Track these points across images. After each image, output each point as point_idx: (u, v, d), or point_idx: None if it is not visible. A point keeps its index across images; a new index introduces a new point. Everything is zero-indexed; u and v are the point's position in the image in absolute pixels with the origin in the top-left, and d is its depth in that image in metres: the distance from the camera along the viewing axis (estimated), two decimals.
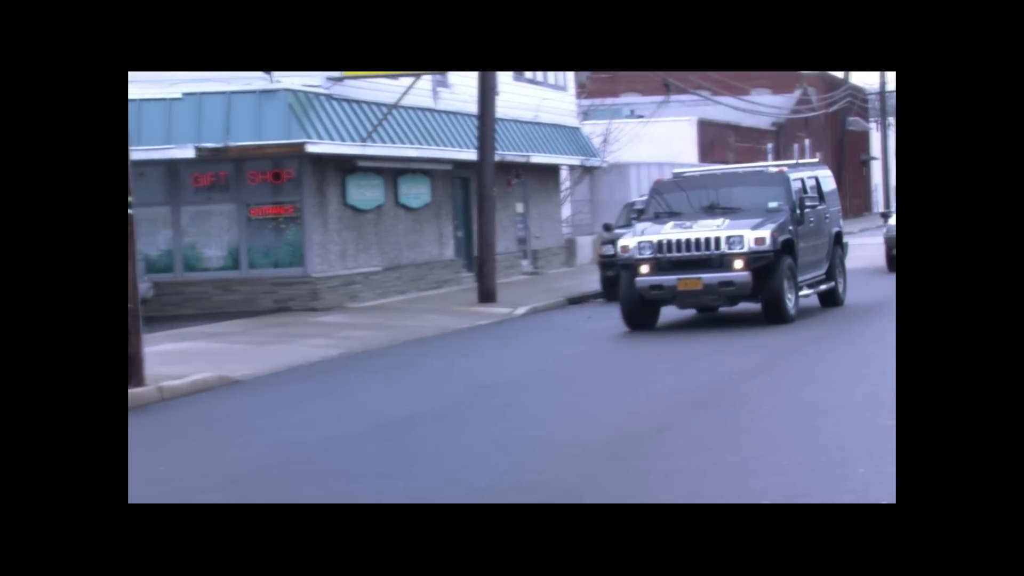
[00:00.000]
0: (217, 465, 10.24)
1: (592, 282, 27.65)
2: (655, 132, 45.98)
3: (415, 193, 28.46)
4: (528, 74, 33.95)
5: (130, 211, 14.50)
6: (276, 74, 23.74)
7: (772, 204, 19.15)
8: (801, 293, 19.22)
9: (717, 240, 18.29)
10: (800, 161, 22.34)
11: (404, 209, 28.12)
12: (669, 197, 19.90)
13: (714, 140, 51.29)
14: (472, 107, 26.65)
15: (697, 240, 18.37)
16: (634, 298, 18.67)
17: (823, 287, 20.49)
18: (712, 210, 19.15)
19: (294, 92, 23.84)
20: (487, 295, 25.07)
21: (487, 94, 25.37)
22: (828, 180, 21.65)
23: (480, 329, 21.16)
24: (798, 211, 19.22)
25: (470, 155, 27.33)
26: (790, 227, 18.86)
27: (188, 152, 23.65)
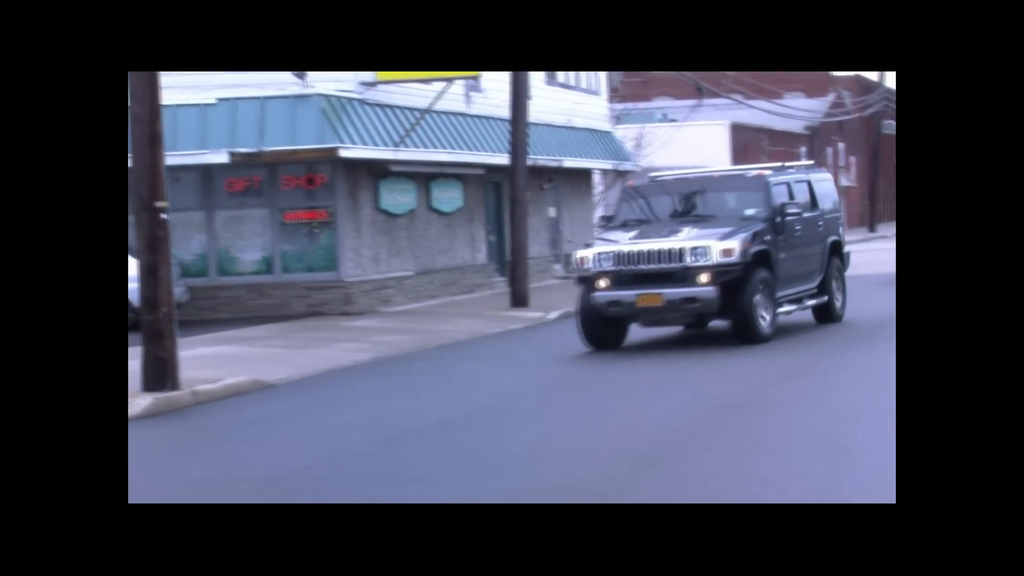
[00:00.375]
0: (251, 468, 10.28)
1: None
2: (688, 136, 45.92)
3: (448, 197, 28.51)
4: (560, 78, 33.94)
5: (165, 216, 14.60)
6: (309, 79, 23.83)
7: (749, 211, 17.42)
8: (783, 309, 17.53)
9: (680, 251, 16.47)
10: (789, 164, 20.53)
11: (436, 213, 28.18)
12: (640, 204, 18.18)
13: (747, 144, 51.15)
14: (505, 111, 26.66)
15: (659, 251, 16.56)
16: (592, 315, 16.98)
17: (812, 302, 18.64)
18: (684, 218, 17.56)
19: (327, 97, 23.91)
20: (519, 299, 25.09)
21: (519, 98, 25.38)
22: (824, 184, 19.77)
23: (512, 333, 21.16)
24: (778, 219, 17.38)
25: (503, 159, 27.34)
26: (767, 237, 17.06)
27: (222, 157, 23.77)
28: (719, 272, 16.35)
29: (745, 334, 16.61)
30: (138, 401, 13.86)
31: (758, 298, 16.61)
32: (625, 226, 17.70)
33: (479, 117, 29.00)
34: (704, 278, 16.34)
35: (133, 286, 14.48)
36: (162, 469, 10.69)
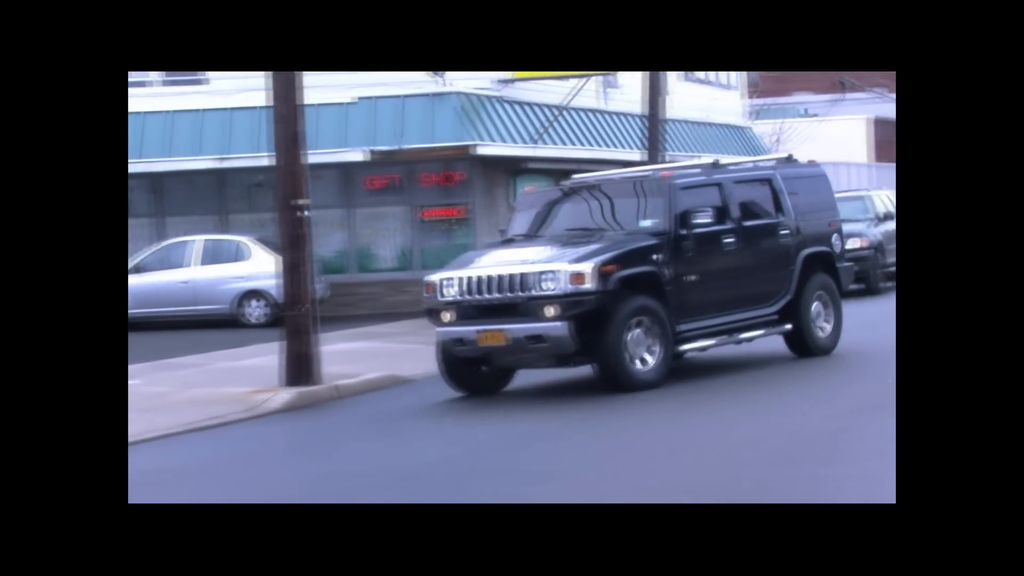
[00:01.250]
0: (390, 462, 10.42)
1: None
2: (828, 131, 45.20)
3: None
4: (698, 74, 33.71)
5: (306, 213, 14.87)
6: (447, 77, 24.04)
7: (646, 223, 13.82)
8: (699, 344, 14.01)
9: (525, 278, 13.03)
10: (736, 160, 16.68)
11: None
12: (534, 214, 14.71)
13: (890, 139, 50.17)
14: (641, 107, 26.57)
15: (502, 278, 13.14)
16: (450, 353, 13.72)
17: (761, 332, 14.62)
18: (572, 232, 14.08)
19: (465, 95, 24.11)
20: None
21: (656, 95, 25.28)
22: (801, 183, 15.44)
23: None
24: (683, 231, 13.69)
25: (639, 156, 27.24)
26: (655, 256, 13.47)
27: (362, 155, 24.11)
28: (570, 303, 12.85)
29: (612, 380, 13.07)
30: (280, 395, 14.15)
31: (635, 334, 13.07)
32: (510, 242, 14.43)
33: (615, 113, 28.93)
34: (551, 311, 12.85)
35: (274, 282, 14.76)
36: (304, 461, 10.90)
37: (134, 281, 24.79)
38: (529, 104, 25.84)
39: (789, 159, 16.15)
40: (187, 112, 26.15)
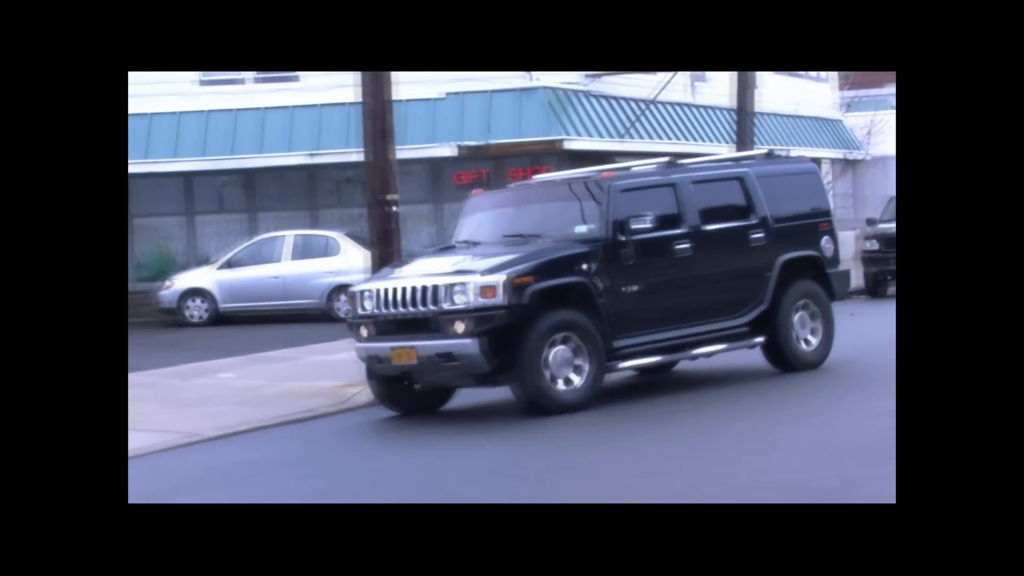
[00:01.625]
0: (478, 461, 10.48)
1: (855, 277, 26.97)
2: None
3: None
4: None
5: (396, 208, 15.01)
6: (535, 72, 24.07)
7: (581, 229, 12.63)
8: (642, 362, 12.94)
9: (435, 290, 12.03)
10: (709, 157, 15.27)
11: None
12: (478, 219, 13.74)
13: None
14: (730, 101, 26.40)
15: (415, 290, 12.14)
16: (374, 371, 12.81)
17: (722, 347, 13.34)
18: (509, 239, 13.01)
19: (552, 90, 24.12)
20: None
21: (745, 88, 25.10)
22: (780, 182, 14.07)
23: None
24: (622, 238, 12.49)
25: (729, 150, 27.06)
26: (584, 265, 12.30)
27: (450, 150, 24.23)
28: (480, 319, 11.78)
29: (530, 403, 11.98)
30: (368, 389, 14.28)
31: (558, 352, 11.98)
32: (448, 250, 13.63)
33: (704, 107, 28.78)
34: (461, 327, 11.82)
35: (364, 277, 14.92)
36: (390, 456, 11.01)
37: (227, 276, 25.17)
38: (616, 98, 25.79)
39: (770, 155, 14.76)
40: (278, 109, 26.49)
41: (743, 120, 25.15)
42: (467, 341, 11.79)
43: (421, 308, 12.04)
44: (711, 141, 28.42)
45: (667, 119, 27.31)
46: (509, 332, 11.84)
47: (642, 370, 14.06)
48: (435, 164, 25.14)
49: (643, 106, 25.74)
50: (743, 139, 25.15)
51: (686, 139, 27.59)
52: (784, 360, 13.70)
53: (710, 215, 13.34)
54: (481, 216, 13.67)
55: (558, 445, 10.75)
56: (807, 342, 13.90)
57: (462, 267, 12.27)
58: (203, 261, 26.83)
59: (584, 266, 12.33)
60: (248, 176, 27.70)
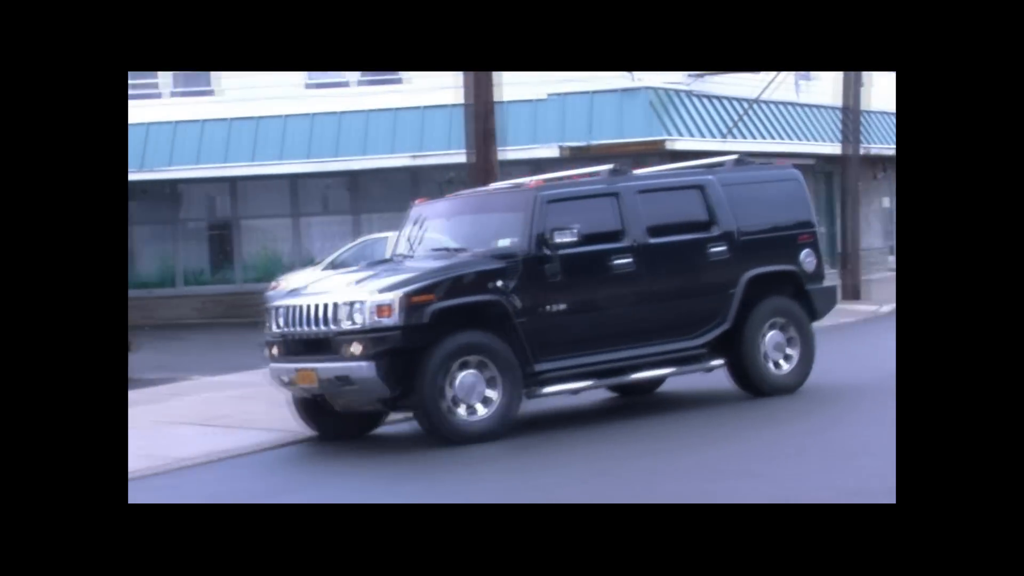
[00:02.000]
0: (580, 459, 10.47)
1: None
2: None
3: None
4: None
5: None
6: (637, 72, 24.01)
7: (504, 242, 11.72)
8: (569, 386, 11.88)
9: (335, 308, 11.22)
10: (673, 166, 14.42)
11: None
12: (417, 230, 12.85)
13: None
14: (836, 99, 26.10)
15: (317, 308, 11.37)
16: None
17: (670, 371, 12.43)
18: (435, 252, 12.21)
19: (655, 90, 24.04)
20: (852, 291, 24.58)
21: (852, 86, 24.80)
22: (766, 191, 13.02)
23: (844, 327, 20.69)
24: (546, 252, 11.51)
25: (834, 149, 26.76)
26: (501, 282, 11.34)
27: (552, 151, 24.25)
28: (375, 340, 10.95)
29: (432, 430, 11.21)
30: None
31: (463, 377, 11.14)
32: (379, 264, 12.91)
33: (809, 106, 28.48)
34: (356, 348, 10.99)
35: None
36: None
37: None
38: (720, 97, 25.63)
39: (740, 161, 13.37)
40: (382, 111, 26.74)
41: (848, 119, 24.84)
42: (363, 364, 10.96)
43: (322, 328, 11.25)
44: (817, 140, 28.10)
45: (771, 118, 27.06)
46: (408, 355, 10.98)
47: (623, 391, 13.30)
48: (538, 165, 25.18)
49: (747, 105, 25.54)
50: (849, 138, 24.86)
51: (791, 138, 27.31)
52: (751, 384, 12.62)
53: (660, 228, 12.28)
54: (420, 227, 12.78)
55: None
56: (777, 365, 12.76)
57: (365, 284, 11.36)
58: (308, 262, 27.17)
59: (499, 283, 11.37)
60: (352, 178, 28.00)
